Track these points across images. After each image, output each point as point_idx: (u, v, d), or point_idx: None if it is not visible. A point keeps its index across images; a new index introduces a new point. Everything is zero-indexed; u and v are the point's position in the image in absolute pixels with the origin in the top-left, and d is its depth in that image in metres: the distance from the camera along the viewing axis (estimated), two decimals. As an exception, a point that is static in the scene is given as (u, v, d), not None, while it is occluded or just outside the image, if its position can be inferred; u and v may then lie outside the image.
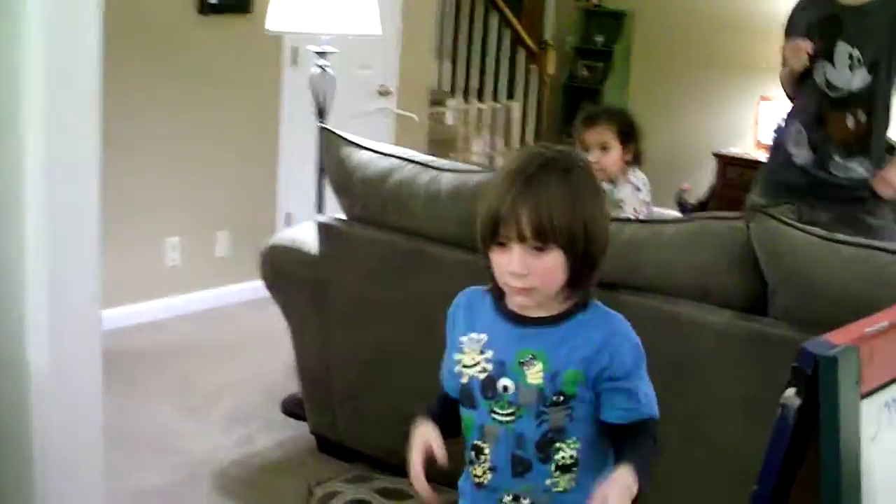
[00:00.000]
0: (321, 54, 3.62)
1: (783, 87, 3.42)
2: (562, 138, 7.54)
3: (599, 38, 7.49)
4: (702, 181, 6.78)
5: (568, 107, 7.59)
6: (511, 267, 1.51)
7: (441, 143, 6.54)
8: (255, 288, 3.61)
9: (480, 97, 6.96)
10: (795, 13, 3.33)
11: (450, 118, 6.89)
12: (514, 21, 6.84)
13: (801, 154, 3.27)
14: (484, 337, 1.61)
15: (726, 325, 2.34)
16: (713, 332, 2.36)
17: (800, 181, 3.27)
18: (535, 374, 1.55)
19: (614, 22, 7.41)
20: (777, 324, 2.29)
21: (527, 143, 6.95)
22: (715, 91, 6.95)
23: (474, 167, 2.99)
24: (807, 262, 2.26)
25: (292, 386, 3.43)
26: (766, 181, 3.47)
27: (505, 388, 1.57)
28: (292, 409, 3.50)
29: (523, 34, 6.82)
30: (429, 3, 5.56)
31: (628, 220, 2.79)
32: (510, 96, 6.94)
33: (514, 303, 1.59)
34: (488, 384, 1.58)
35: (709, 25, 6.93)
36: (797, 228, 2.32)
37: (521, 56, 6.88)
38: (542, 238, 1.49)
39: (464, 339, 1.63)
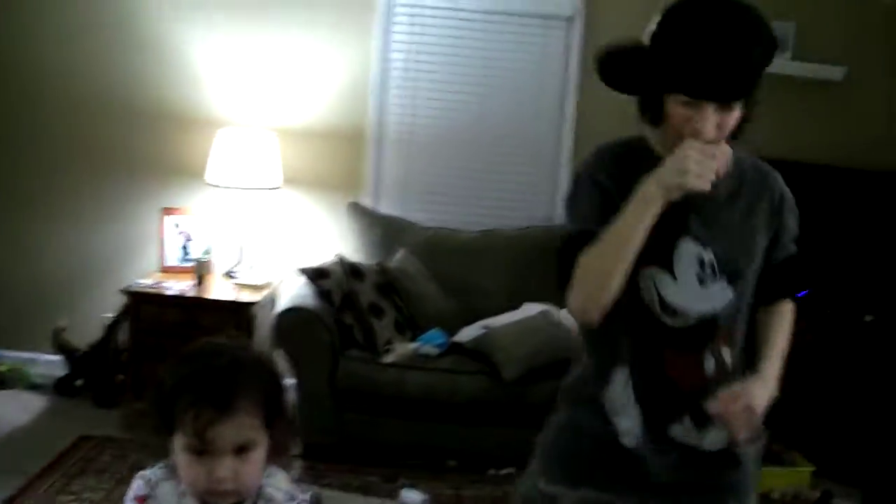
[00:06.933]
0: None
1: (587, 293, 1.80)
2: None
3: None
4: (93, 316, 5.09)
5: None
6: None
7: None
8: None
9: None
10: (607, 161, 1.91)
11: None
12: None
13: (626, 421, 1.94)
14: None
15: None
16: None
17: (621, 464, 1.97)
18: None
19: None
20: None
21: None
22: (105, 201, 5.26)
23: None
24: None
25: None
26: (555, 456, 2.05)
27: None
28: None
29: None
30: None
31: None
32: None
33: None
34: None
35: (99, 113, 5.21)
36: None
37: None
38: None
39: None
